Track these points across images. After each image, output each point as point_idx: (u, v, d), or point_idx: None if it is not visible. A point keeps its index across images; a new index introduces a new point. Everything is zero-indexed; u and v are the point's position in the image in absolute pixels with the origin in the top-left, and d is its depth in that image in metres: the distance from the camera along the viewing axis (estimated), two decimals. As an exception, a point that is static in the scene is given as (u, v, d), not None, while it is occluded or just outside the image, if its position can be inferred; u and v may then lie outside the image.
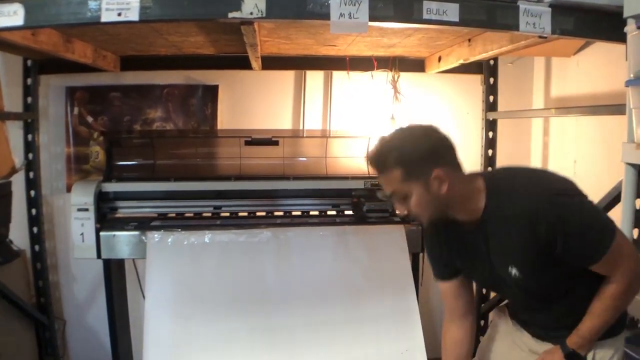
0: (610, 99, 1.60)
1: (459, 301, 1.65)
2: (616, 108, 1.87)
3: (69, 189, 3.08)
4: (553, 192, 1.37)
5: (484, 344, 1.80)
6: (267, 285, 2.36)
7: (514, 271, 1.42)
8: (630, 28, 1.73)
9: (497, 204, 1.41)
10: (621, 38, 1.75)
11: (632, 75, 1.74)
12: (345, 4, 1.65)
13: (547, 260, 1.37)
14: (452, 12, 1.73)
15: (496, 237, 1.43)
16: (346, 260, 2.44)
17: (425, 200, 1.38)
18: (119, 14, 1.62)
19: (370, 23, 1.68)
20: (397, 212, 1.47)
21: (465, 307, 1.66)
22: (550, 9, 1.82)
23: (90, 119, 3.08)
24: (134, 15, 1.62)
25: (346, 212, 2.65)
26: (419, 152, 1.38)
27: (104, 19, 1.62)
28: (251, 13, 1.62)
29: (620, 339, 1.54)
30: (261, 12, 1.62)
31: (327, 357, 2.26)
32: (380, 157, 1.41)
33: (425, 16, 1.71)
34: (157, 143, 2.70)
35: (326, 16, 1.65)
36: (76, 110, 3.07)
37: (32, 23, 1.67)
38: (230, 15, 1.62)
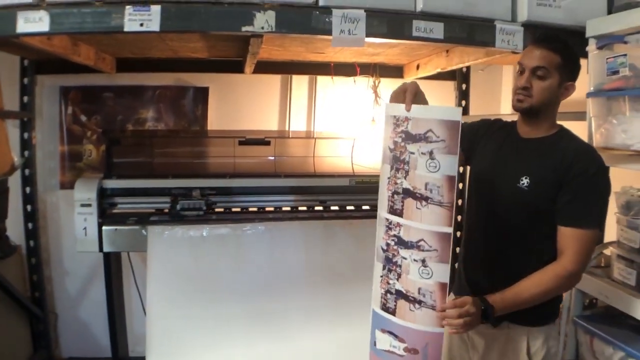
0: (572, 105, 1.83)
1: None
2: (577, 115, 2.09)
3: (62, 186, 3.20)
4: (603, 163, 1.62)
5: None
6: (262, 275, 2.55)
7: (525, 181, 1.62)
8: (591, 48, 1.99)
9: (568, 135, 1.68)
10: (584, 54, 2.00)
11: (592, 88, 1.99)
12: (345, 22, 1.85)
13: (554, 190, 1.59)
14: (438, 30, 1.96)
15: (537, 153, 1.65)
16: (334, 251, 2.64)
17: (550, 91, 1.62)
18: (141, 24, 1.78)
19: (367, 39, 1.89)
20: (519, 83, 1.64)
21: None
22: (522, 28, 2.07)
23: (83, 118, 3.19)
24: (155, 26, 1.77)
25: (332, 208, 2.85)
26: (578, 64, 1.68)
27: (127, 29, 1.78)
28: (262, 27, 1.81)
29: (551, 327, 1.72)
30: (271, 27, 1.81)
31: (318, 339, 2.47)
32: (558, 39, 1.66)
33: (415, 33, 1.93)
34: (156, 142, 2.85)
35: (328, 32, 1.86)
36: (70, 109, 3.18)
37: (57, 30, 1.81)
38: (244, 29, 1.80)
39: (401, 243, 1.51)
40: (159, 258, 2.50)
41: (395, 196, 1.53)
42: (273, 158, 2.93)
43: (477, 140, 1.83)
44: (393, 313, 1.53)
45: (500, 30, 2.06)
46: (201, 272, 2.51)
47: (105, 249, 2.54)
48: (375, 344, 1.58)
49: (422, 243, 1.48)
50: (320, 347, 2.48)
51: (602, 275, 2.04)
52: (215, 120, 3.31)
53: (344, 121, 3.36)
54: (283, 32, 1.83)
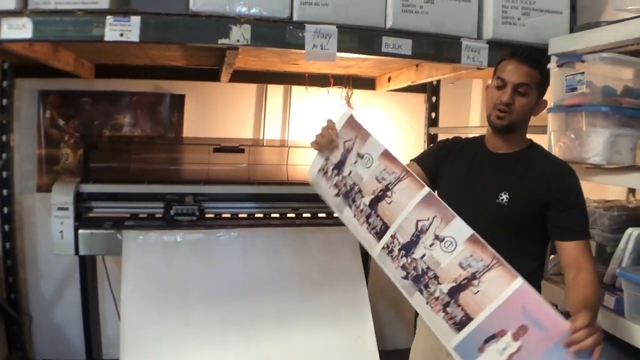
0: (534, 120, 1.93)
1: None
2: (540, 129, 2.15)
3: (39, 189, 3.21)
4: (575, 173, 1.67)
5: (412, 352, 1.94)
6: (235, 280, 2.61)
7: (505, 197, 1.61)
8: (552, 65, 2.09)
9: (540, 150, 1.74)
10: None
11: (552, 104, 2.10)
12: (318, 37, 1.94)
13: (534, 206, 1.61)
14: (406, 46, 2.06)
15: (514, 168, 1.66)
16: (305, 257, 2.72)
17: (527, 107, 1.66)
18: (121, 35, 1.84)
19: (338, 53, 1.99)
20: (502, 99, 1.62)
21: None
22: (487, 45, 2.18)
23: (61, 122, 3.21)
24: (134, 37, 1.84)
25: (304, 215, 2.93)
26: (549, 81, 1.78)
27: (107, 38, 1.84)
28: (238, 40, 1.89)
29: None
30: (246, 40, 1.89)
31: (290, 342, 2.53)
32: (539, 58, 1.73)
33: (384, 49, 2.03)
34: (132, 148, 2.90)
35: (301, 46, 1.94)
36: (48, 113, 3.20)
37: (39, 37, 1.87)
38: (220, 41, 1.88)
39: (408, 247, 1.40)
40: (133, 262, 2.55)
41: (370, 219, 1.49)
42: (247, 165, 3.01)
43: (441, 163, 1.84)
44: (469, 318, 1.30)
45: (466, 48, 2.16)
46: (175, 276, 2.56)
47: (81, 252, 2.58)
48: None
49: (420, 224, 1.38)
50: (292, 352, 2.55)
51: (561, 282, 2.13)
52: (191, 128, 3.36)
53: (317, 131, 3.42)
54: (258, 45, 1.92)
